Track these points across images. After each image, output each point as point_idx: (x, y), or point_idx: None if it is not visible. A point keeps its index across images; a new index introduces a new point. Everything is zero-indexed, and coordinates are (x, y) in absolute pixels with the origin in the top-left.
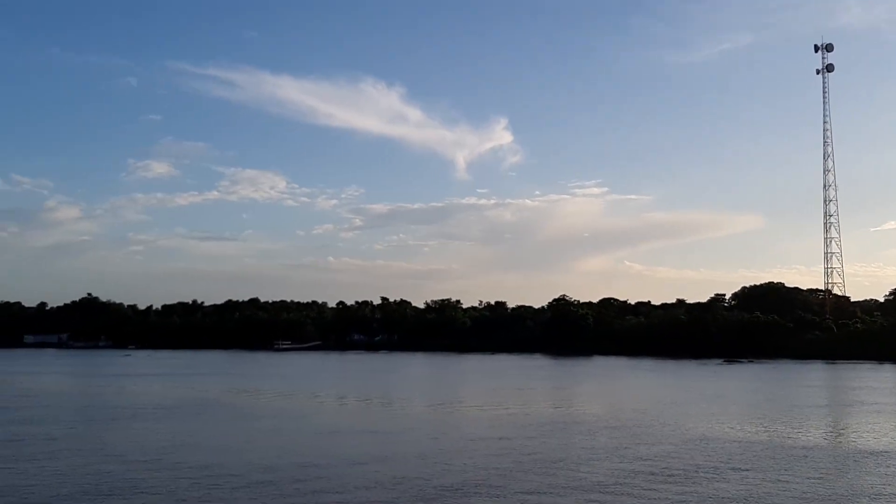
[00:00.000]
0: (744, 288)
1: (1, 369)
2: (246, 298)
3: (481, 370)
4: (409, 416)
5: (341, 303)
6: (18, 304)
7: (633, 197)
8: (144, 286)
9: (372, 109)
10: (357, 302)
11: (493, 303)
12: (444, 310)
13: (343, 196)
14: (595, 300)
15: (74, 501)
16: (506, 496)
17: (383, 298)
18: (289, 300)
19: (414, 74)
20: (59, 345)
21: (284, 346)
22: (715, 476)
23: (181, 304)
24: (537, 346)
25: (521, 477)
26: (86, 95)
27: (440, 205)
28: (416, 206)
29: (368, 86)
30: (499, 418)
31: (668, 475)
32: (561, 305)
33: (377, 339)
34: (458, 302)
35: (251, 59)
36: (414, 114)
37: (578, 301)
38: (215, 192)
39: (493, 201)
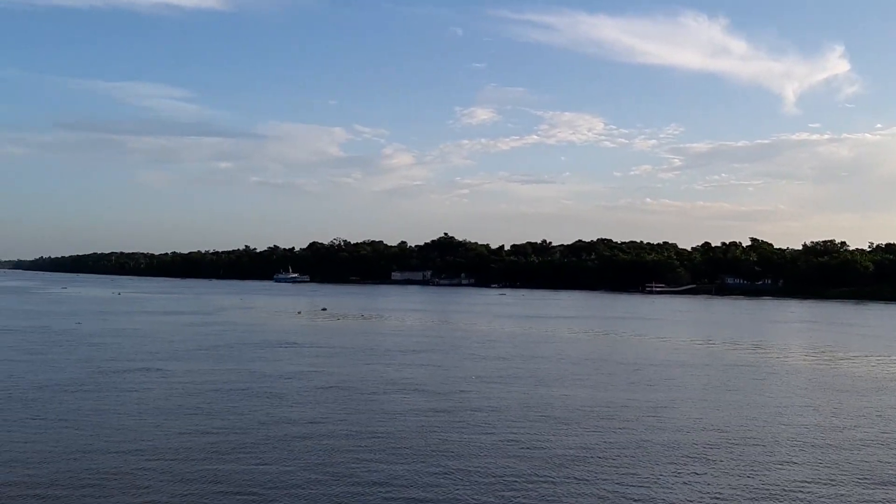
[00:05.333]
0: None
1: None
2: (570, 240)
3: None
4: None
5: (706, 243)
6: (381, 242)
7: None
8: (472, 227)
9: (692, 44)
10: (724, 243)
11: (883, 245)
12: (831, 251)
13: (662, 136)
14: None
15: None
16: None
17: (753, 240)
18: (639, 240)
19: (737, 4)
20: (424, 281)
21: (657, 289)
22: None
23: (530, 244)
24: None
25: None
26: (416, 47)
27: (766, 142)
28: (739, 143)
29: (688, 19)
30: None
31: None
32: None
33: (759, 283)
34: (843, 244)
35: (568, 0)
36: (738, 46)
37: None
38: (534, 136)
39: (826, 136)
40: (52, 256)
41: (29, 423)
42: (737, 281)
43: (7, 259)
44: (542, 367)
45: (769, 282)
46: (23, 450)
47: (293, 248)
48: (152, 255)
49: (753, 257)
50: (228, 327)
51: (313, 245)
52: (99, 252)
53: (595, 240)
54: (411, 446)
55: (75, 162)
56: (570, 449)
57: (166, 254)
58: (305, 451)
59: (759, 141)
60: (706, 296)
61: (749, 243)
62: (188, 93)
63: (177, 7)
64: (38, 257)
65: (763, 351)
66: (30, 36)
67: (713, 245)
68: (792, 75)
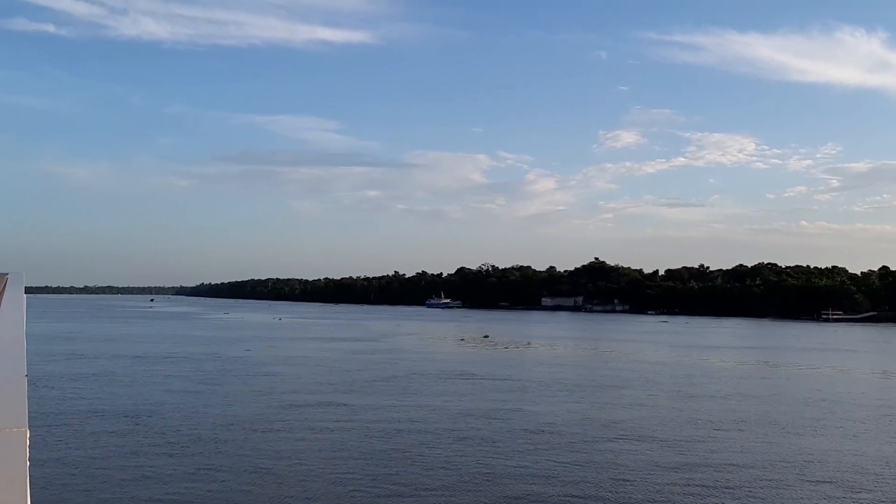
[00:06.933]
0: None
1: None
2: (722, 264)
3: None
4: None
5: (884, 267)
6: (530, 267)
7: None
8: (618, 251)
9: (850, 59)
10: None
11: None
12: None
13: (818, 156)
14: None
15: None
16: None
17: None
18: (805, 265)
19: None
20: (575, 307)
21: (835, 317)
22: None
23: (686, 269)
24: None
25: None
26: (559, 71)
27: None
28: None
29: (845, 34)
30: None
31: None
32: None
33: None
34: None
35: (717, 19)
36: None
37: None
38: (682, 158)
39: None
40: (212, 283)
41: (228, 474)
42: None
43: (170, 286)
44: (773, 408)
45: None
46: None
47: (441, 273)
48: (306, 280)
49: None
50: (398, 355)
51: (461, 270)
52: (256, 278)
53: (757, 264)
54: None
55: (235, 192)
56: None
57: (319, 279)
58: None
59: None
60: (890, 324)
61: None
62: (339, 124)
63: (328, 43)
64: (198, 283)
65: None
66: (194, 74)
67: (891, 269)
68: None
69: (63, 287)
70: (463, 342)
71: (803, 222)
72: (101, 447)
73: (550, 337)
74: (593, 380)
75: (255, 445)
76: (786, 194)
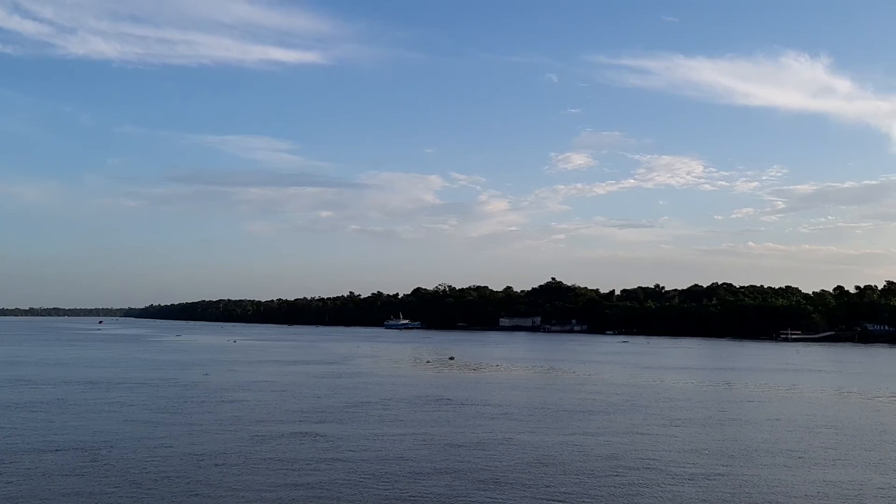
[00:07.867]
0: None
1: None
2: (675, 285)
3: None
4: None
5: (839, 287)
6: (487, 287)
7: None
8: (570, 272)
9: (794, 84)
10: (858, 287)
11: None
12: None
13: (764, 178)
14: None
15: None
16: None
17: (889, 283)
18: (759, 284)
19: (841, 42)
20: (533, 328)
21: (794, 337)
22: None
23: (641, 289)
24: None
25: None
26: (512, 94)
27: (875, 182)
28: (846, 184)
29: (790, 59)
30: None
31: None
32: None
33: None
34: None
35: (664, 43)
36: (842, 85)
37: None
38: (632, 180)
39: None
40: (162, 304)
41: None
42: (879, 327)
43: (119, 307)
44: (775, 435)
45: None
46: None
47: (397, 294)
48: (259, 301)
49: (894, 302)
50: (365, 379)
51: (418, 291)
52: (207, 299)
53: (712, 284)
54: None
55: (185, 213)
56: None
57: (272, 301)
58: None
59: (867, 182)
60: (849, 343)
61: (883, 286)
62: (291, 145)
63: (281, 63)
64: (148, 305)
65: None
66: (143, 94)
67: (845, 289)
68: None
69: (7, 309)
70: (429, 364)
71: (750, 243)
72: (57, 490)
73: (517, 359)
74: (577, 404)
75: (231, 486)
76: (733, 215)
